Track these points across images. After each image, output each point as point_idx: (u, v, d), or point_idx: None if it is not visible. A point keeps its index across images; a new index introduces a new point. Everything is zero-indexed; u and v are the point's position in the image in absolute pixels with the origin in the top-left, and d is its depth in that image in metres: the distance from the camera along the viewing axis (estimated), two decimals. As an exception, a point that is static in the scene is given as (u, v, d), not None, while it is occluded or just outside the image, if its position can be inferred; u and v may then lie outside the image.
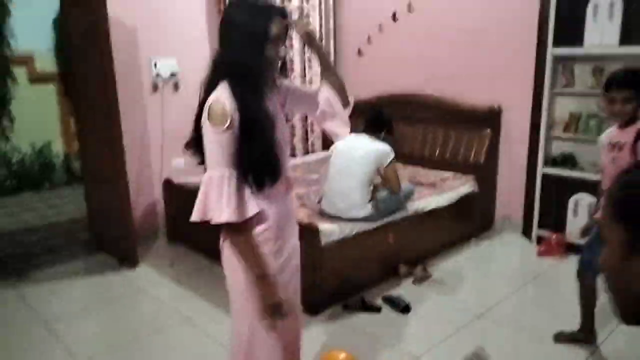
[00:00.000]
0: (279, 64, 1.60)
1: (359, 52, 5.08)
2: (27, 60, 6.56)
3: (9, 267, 3.82)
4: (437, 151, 4.49)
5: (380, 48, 4.91)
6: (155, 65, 4.21)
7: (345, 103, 1.76)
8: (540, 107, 3.76)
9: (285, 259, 1.67)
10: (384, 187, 3.29)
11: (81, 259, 3.98)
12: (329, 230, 3.05)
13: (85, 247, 4.18)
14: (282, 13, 1.53)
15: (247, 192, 1.50)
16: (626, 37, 3.30)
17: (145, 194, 4.26)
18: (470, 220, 4.09)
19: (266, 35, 1.47)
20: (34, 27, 6.22)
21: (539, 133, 3.81)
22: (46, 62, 6.66)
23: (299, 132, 5.02)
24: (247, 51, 1.46)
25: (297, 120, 4.98)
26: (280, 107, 1.66)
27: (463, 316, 2.93)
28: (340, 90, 1.75)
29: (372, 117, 3.33)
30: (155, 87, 4.25)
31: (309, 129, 5.11)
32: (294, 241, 1.76)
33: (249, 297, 1.61)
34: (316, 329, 2.82)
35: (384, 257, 3.38)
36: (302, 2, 4.76)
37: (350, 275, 3.19)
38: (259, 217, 1.56)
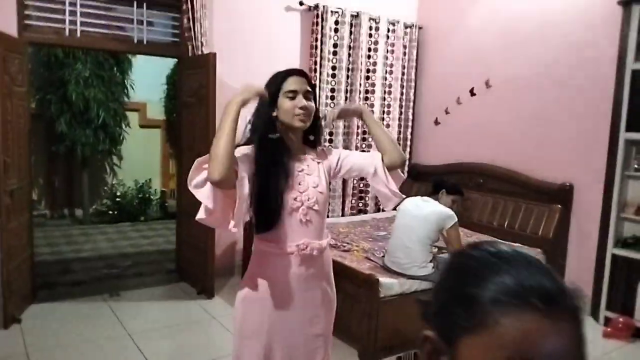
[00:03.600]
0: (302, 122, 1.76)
1: (436, 122, 5.38)
2: (140, 108, 7.51)
3: (104, 285, 4.35)
4: (506, 222, 4.58)
5: (457, 119, 5.17)
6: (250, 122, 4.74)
7: (398, 159, 1.89)
8: (612, 188, 3.81)
9: (276, 320, 1.76)
10: (447, 249, 3.47)
11: (165, 285, 4.44)
12: (389, 284, 3.26)
13: (169, 276, 4.64)
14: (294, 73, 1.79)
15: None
16: None
17: (227, 234, 4.69)
18: (533, 293, 4.09)
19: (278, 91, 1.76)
20: (150, 80, 7.16)
21: (610, 214, 3.83)
22: (155, 111, 7.59)
23: (372, 191, 5.32)
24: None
25: (371, 179, 5.28)
26: (315, 167, 1.82)
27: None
28: (392, 146, 1.89)
29: (438, 181, 3.60)
30: (247, 140, 4.77)
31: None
32: (305, 310, 1.81)
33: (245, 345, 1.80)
34: (368, 375, 2.99)
35: (441, 316, 3.50)
36: (385, 73, 5.19)
37: (406, 330, 3.34)
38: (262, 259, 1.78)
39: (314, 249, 1.76)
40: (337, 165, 1.89)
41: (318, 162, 1.85)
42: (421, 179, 5.30)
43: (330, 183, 1.92)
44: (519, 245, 4.25)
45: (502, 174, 4.70)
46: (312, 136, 1.87)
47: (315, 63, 4.73)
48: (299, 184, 1.76)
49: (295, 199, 1.74)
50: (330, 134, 4.93)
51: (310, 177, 1.79)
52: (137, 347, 3.24)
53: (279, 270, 1.76)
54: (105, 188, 7.22)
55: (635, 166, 3.74)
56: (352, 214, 5.18)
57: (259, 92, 1.71)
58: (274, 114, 1.75)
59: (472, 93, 4.98)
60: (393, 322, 3.27)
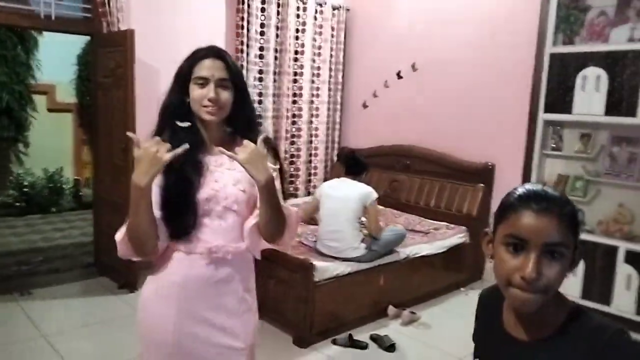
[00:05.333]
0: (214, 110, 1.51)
1: (365, 105, 5.39)
2: (48, 90, 6.93)
3: (13, 283, 3.97)
4: (433, 201, 4.69)
5: (385, 102, 5.21)
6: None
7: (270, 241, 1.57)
8: (531, 166, 3.99)
9: (183, 328, 1.53)
10: (367, 228, 3.50)
11: (83, 281, 4.13)
12: (323, 268, 3.22)
13: (87, 270, 4.32)
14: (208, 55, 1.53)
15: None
16: (611, 108, 3.55)
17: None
18: (460, 269, 4.25)
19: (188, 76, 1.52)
20: (59, 60, 6.61)
21: (529, 191, 4.01)
22: (66, 93, 7.04)
23: (302, 175, 5.26)
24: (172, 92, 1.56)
25: (301, 163, 5.22)
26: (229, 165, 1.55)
27: (445, 359, 3.05)
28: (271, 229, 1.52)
29: (351, 161, 3.64)
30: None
31: (312, 172, 5.35)
32: (217, 319, 1.55)
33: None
34: (304, 361, 2.95)
35: (374, 297, 3.53)
36: (313, 55, 5.11)
37: (340, 312, 3.33)
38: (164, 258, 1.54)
39: (228, 252, 1.52)
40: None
41: None
42: (350, 162, 5.29)
43: None
44: (445, 223, 4.39)
45: (429, 156, 4.80)
46: (247, 130, 1.57)
47: (242, 43, 4.56)
48: (216, 181, 1.52)
49: (207, 198, 1.50)
50: (259, 116, 4.80)
51: (231, 172, 1.54)
52: (53, 349, 2.98)
53: (186, 271, 1.52)
54: (11, 178, 6.60)
55: (553, 145, 3.93)
56: (283, 199, 5.08)
57: (166, 159, 1.36)
58: (187, 99, 1.53)
59: (399, 76, 5.02)
60: (328, 306, 3.24)
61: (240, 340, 1.57)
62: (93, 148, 4.70)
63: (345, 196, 3.38)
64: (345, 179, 3.52)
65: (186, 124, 1.52)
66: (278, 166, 1.57)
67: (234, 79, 1.53)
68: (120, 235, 1.47)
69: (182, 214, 1.48)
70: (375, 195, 3.41)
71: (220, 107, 1.50)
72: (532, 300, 0.92)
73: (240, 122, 1.59)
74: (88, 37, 5.05)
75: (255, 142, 1.46)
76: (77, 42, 6.44)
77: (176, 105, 1.53)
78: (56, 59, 6.52)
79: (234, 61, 1.58)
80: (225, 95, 1.51)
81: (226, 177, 1.54)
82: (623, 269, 3.49)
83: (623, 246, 3.48)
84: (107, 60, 3.91)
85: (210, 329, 1.54)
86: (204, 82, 1.49)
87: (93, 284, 4.06)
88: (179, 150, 1.38)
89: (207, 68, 1.49)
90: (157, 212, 1.44)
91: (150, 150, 1.35)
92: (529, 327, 1.00)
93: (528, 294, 0.92)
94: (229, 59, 1.54)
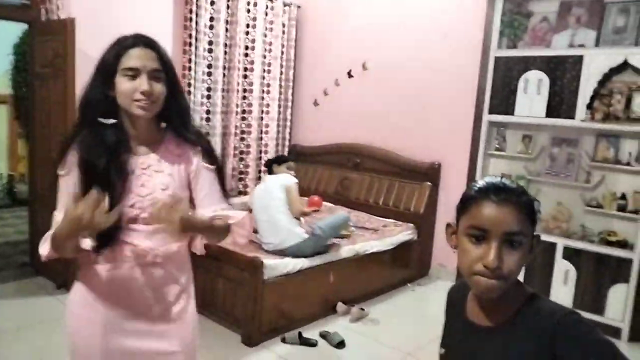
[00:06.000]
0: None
1: (316, 103, 5.39)
2: (-20, 80, 6.51)
3: (-62, 285, 3.70)
4: (382, 199, 4.75)
5: (335, 100, 5.22)
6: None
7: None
8: (476, 165, 4.11)
9: (112, 337, 1.42)
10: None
11: (18, 280, 3.91)
12: (272, 266, 3.18)
13: (22, 270, 4.09)
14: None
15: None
16: (552, 110, 3.70)
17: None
18: (408, 265, 4.32)
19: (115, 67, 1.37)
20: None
21: (474, 189, 4.13)
22: (0, 84, 6.64)
23: (252, 172, 5.19)
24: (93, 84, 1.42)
25: (251, 160, 5.15)
26: (170, 164, 1.46)
27: (394, 353, 3.09)
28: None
29: (270, 162, 4.01)
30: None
31: (262, 169, 5.29)
32: (148, 324, 1.46)
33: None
34: (253, 360, 2.90)
35: (324, 294, 3.53)
36: (264, 51, 5.06)
37: (290, 310, 3.31)
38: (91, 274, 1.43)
39: (157, 256, 1.42)
40: (193, 174, 1.49)
41: (178, 156, 1.47)
42: (301, 160, 5.28)
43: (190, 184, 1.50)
44: (393, 221, 4.45)
45: (378, 154, 4.86)
46: (181, 127, 1.48)
47: (190, 36, 4.44)
48: (142, 186, 1.39)
49: (132, 205, 1.38)
50: (208, 112, 4.71)
51: (159, 175, 1.42)
52: (-16, 354, 2.80)
53: (112, 276, 1.40)
54: (-62, 173, 6.18)
55: (496, 146, 4.07)
56: (232, 196, 5.00)
57: (100, 228, 1.23)
58: (111, 93, 1.38)
59: (349, 75, 5.05)
60: (277, 304, 3.21)
61: (176, 344, 1.49)
62: (29, 142, 4.46)
63: (267, 188, 3.58)
64: (267, 176, 3.82)
65: (111, 121, 1.40)
66: (214, 166, 1.49)
67: (167, 71, 1.41)
68: (45, 249, 1.36)
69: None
70: (293, 179, 3.66)
71: (154, 100, 1.38)
72: (494, 287, 0.97)
73: (173, 118, 1.47)
74: (25, 25, 4.78)
75: (186, 137, 1.46)
76: (13, 30, 6.07)
77: (99, 99, 1.38)
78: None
79: (165, 51, 1.46)
80: (159, 88, 1.38)
81: (154, 181, 1.42)
82: (561, 265, 3.65)
83: (561, 243, 3.65)
84: (46, 49, 3.71)
85: (141, 337, 1.44)
86: (134, 73, 1.35)
87: (29, 284, 3.84)
88: (114, 214, 1.23)
89: (138, 58, 1.36)
90: None
91: (85, 216, 1.17)
92: (489, 313, 1.06)
93: (491, 280, 0.97)
94: (161, 49, 1.42)
